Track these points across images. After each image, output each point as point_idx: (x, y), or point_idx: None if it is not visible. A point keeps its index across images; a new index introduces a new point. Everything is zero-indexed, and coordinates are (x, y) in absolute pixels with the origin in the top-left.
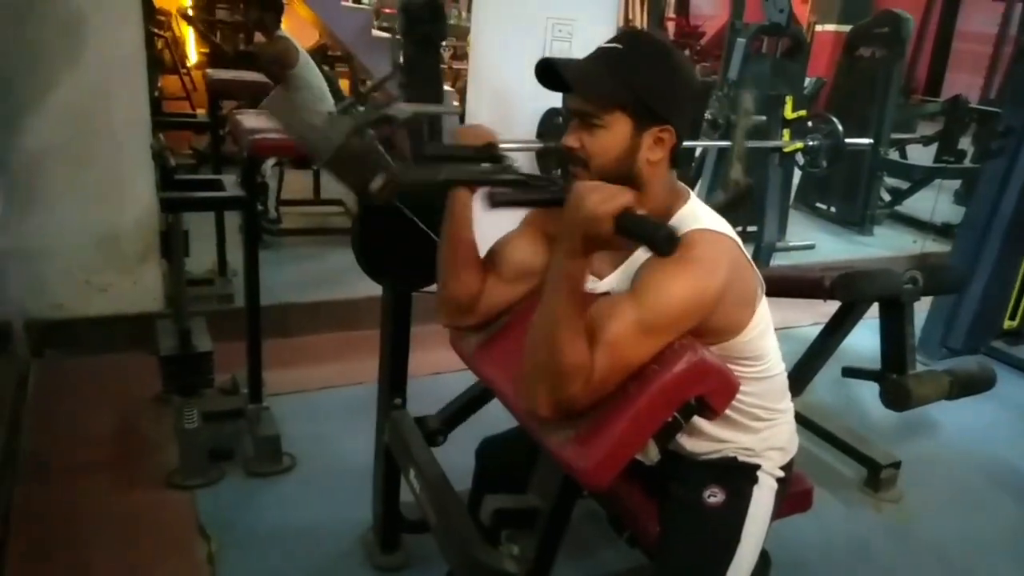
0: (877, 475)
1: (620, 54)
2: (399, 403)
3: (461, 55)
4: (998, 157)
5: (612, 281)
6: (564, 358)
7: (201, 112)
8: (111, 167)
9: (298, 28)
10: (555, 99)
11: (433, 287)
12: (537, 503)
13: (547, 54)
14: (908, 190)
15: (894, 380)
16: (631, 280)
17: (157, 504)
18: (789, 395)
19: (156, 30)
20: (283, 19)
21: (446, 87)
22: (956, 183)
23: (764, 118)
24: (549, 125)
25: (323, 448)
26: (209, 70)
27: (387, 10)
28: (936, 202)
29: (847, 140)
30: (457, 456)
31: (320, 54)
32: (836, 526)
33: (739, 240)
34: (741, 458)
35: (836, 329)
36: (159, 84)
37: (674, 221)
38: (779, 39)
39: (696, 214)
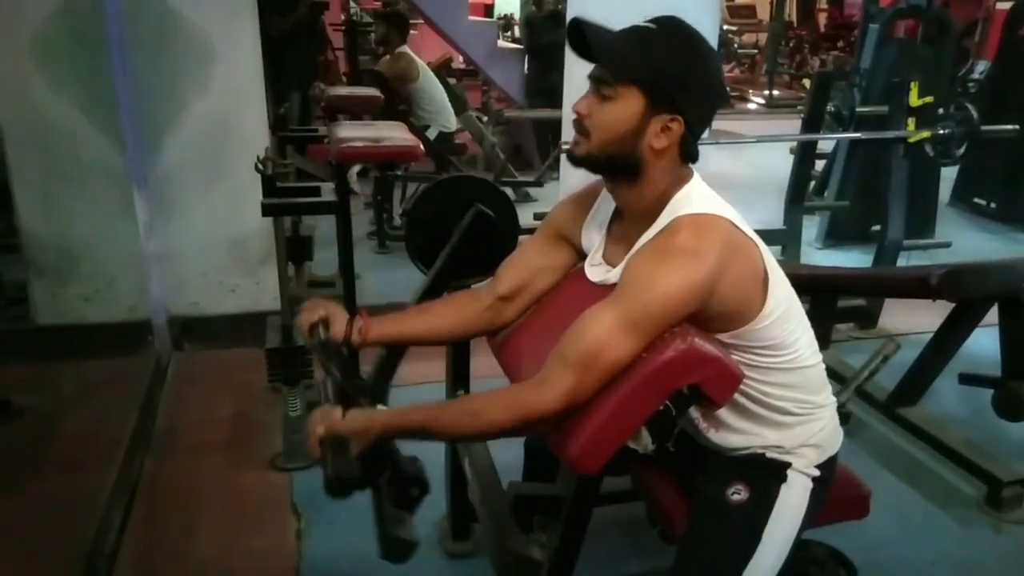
0: (999, 493)
1: (651, 33)
2: (461, 395)
3: None
4: None
5: (619, 273)
6: (500, 423)
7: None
8: (235, 179)
9: (432, 44)
10: None
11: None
12: (560, 492)
13: None
14: None
15: (1009, 387)
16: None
17: (259, 483)
18: (828, 388)
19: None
20: (415, 35)
21: None
22: None
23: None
24: None
25: None
26: (328, 89)
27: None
28: None
29: (985, 127)
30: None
31: (445, 68)
32: (945, 546)
33: (737, 220)
34: (770, 455)
35: (950, 333)
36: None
37: (667, 208)
38: (920, 22)
39: (690, 197)
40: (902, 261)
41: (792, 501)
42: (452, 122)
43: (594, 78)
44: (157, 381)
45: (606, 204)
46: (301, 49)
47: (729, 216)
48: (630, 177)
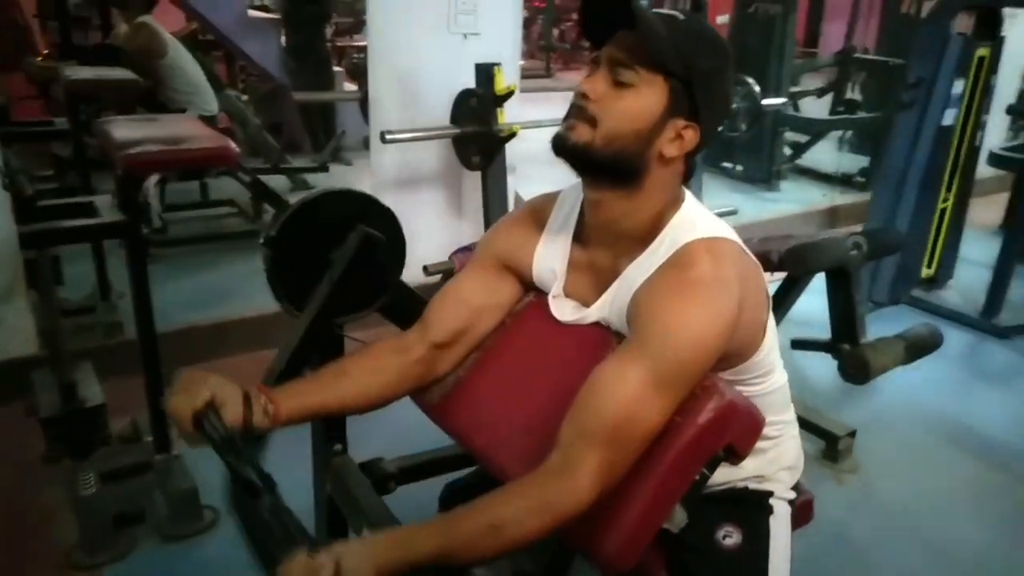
0: (835, 446)
1: (683, 24)
2: (340, 449)
3: (344, 31)
4: (909, 108)
5: (601, 309)
6: (530, 535)
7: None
8: None
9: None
10: (468, 79)
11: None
12: (526, 566)
13: (453, 28)
14: (807, 143)
15: (851, 352)
16: (624, 314)
17: None
18: (791, 404)
19: None
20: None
21: (335, 67)
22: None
23: None
24: (464, 108)
25: None
26: (66, 69)
27: None
28: (841, 154)
29: (764, 101)
30: (416, 498)
31: (191, 40)
32: None
33: (740, 240)
34: (752, 486)
35: (782, 302)
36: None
37: (668, 231)
38: None
39: (692, 220)
40: None
41: (781, 532)
42: (213, 104)
43: (611, 58)
44: None
45: (563, 223)
46: None
47: (734, 237)
48: (626, 185)
